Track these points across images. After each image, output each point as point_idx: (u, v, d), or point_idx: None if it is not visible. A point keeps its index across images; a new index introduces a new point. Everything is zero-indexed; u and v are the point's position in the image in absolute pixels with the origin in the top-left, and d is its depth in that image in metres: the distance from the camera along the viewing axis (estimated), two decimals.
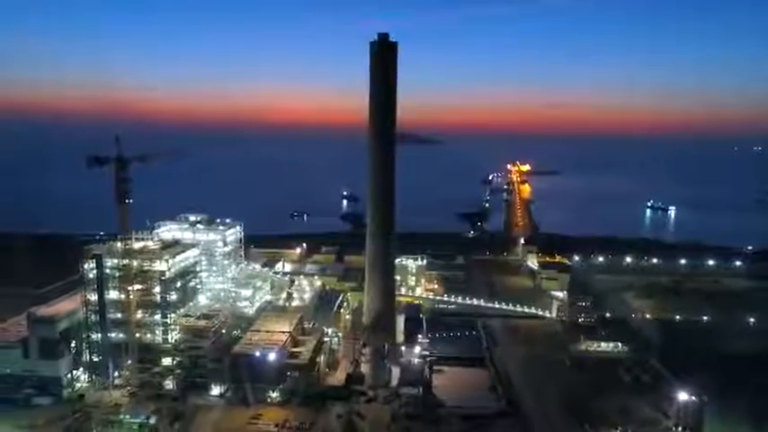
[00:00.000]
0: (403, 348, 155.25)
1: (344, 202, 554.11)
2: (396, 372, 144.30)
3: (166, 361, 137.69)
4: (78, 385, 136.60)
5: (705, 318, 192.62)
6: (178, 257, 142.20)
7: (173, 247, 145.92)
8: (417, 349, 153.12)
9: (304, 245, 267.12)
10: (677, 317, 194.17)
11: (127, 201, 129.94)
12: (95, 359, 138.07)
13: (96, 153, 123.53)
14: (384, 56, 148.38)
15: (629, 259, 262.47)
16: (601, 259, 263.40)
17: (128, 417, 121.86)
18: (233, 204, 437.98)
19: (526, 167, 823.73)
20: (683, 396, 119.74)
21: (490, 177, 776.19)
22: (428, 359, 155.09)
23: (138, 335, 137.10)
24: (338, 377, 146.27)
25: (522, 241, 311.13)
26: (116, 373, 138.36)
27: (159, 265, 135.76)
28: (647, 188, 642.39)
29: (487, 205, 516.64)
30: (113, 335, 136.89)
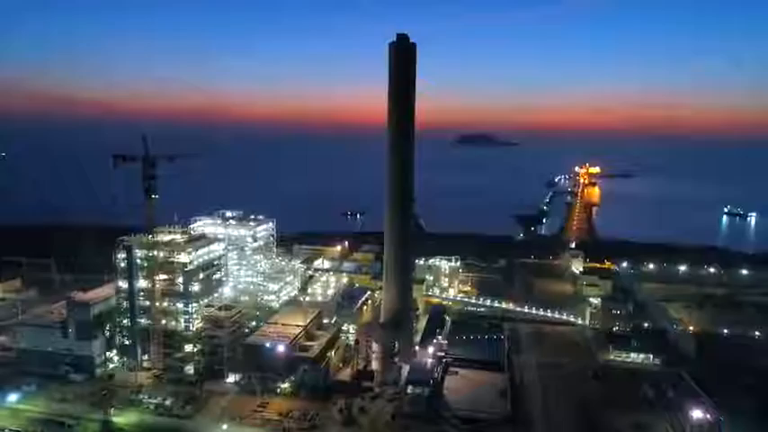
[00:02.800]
0: (416, 348, 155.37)
1: None
2: (406, 370, 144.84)
3: (188, 348, 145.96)
4: (111, 365, 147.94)
5: (758, 333, 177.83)
6: (201, 250, 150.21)
7: (197, 240, 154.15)
8: (431, 349, 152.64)
9: (346, 243, 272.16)
10: (725, 331, 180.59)
11: (153, 196, 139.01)
12: (126, 342, 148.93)
13: (122, 152, 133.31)
14: (402, 57, 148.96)
15: (683, 268, 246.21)
16: (651, 266, 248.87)
17: (146, 397, 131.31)
18: (294, 202, 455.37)
19: (596, 170, 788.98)
20: (697, 414, 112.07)
21: (556, 179, 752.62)
22: (443, 360, 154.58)
23: (163, 322, 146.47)
24: (350, 372, 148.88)
25: (572, 245, 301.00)
26: (145, 356, 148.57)
27: (182, 257, 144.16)
28: (733, 192, 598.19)
29: (545, 208, 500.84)
30: (142, 321, 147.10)
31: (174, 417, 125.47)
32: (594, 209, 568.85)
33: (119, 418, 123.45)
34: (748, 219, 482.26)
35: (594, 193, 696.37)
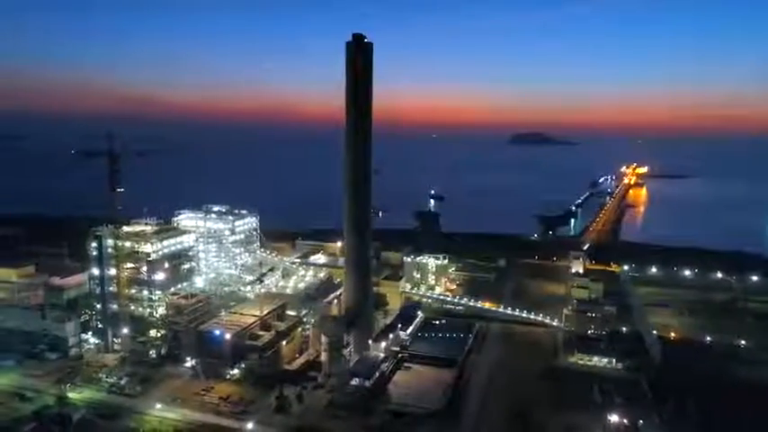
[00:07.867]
0: (370, 342, 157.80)
1: (432, 201, 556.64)
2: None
3: (152, 332, 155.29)
4: (86, 346, 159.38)
5: (743, 342, 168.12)
6: (167, 241, 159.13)
7: (164, 232, 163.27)
8: (383, 344, 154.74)
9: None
10: (708, 338, 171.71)
11: (118, 189, 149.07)
12: (99, 325, 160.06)
13: (87, 149, 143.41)
14: (358, 57, 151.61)
15: (687, 272, 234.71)
16: (654, 270, 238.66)
17: (104, 376, 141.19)
18: (314, 198, 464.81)
19: (643, 170, 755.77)
20: (614, 419, 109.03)
21: (601, 179, 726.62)
22: (399, 355, 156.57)
23: (132, 307, 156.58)
24: (300, 363, 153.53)
25: (585, 248, 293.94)
26: (117, 339, 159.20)
27: (146, 247, 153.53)
28: None
29: (574, 209, 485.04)
30: (113, 306, 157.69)
31: (125, 395, 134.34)
32: (638, 209, 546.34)
33: (73, 394, 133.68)
34: None
35: (640, 194, 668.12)
